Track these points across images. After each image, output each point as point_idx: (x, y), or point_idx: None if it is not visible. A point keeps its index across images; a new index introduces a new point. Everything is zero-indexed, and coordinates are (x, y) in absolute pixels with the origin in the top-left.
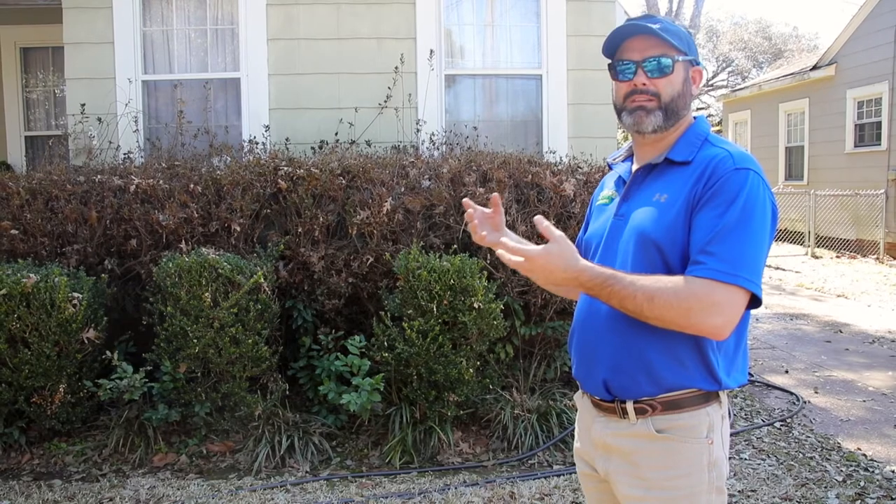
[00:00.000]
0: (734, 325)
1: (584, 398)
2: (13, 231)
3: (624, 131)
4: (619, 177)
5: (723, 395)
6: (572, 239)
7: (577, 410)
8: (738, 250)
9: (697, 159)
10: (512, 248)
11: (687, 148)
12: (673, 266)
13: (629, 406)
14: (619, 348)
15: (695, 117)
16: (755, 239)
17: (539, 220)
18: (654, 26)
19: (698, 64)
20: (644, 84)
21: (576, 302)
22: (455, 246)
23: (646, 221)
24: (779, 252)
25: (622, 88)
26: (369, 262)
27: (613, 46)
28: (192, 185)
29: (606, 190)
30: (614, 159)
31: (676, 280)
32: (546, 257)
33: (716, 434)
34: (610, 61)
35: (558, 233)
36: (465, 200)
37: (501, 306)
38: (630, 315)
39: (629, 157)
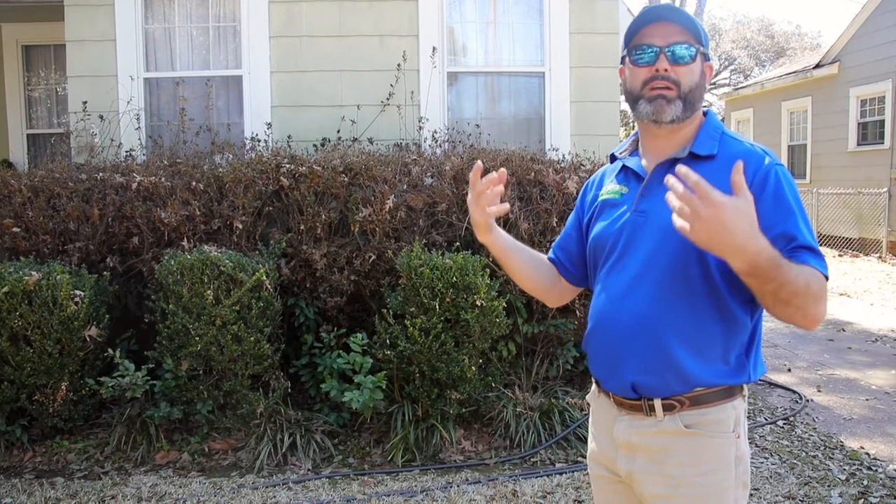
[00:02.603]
0: None
1: (601, 397)
2: (15, 229)
3: (625, 129)
4: (629, 171)
5: (745, 390)
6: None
7: (583, 410)
8: (816, 245)
9: (723, 154)
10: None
11: (709, 141)
12: (708, 262)
13: (657, 403)
14: (647, 349)
15: (704, 112)
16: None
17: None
18: (680, 15)
19: (709, 59)
20: (666, 70)
21: (577, 301)
22: (458, 243)
23: None
24: None
25: (641, 74)
26: (371, 259)
27: (632, 33)
28: (194, 183)
29: (611, 185)
30: (620, 152)
31: (810, 269)
32: (736, 207)
33: (741, 428)
34: (625, 51)
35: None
36: (476, 166)
37: (504, 304)
38: (765, 299)
39: (634, 150)
